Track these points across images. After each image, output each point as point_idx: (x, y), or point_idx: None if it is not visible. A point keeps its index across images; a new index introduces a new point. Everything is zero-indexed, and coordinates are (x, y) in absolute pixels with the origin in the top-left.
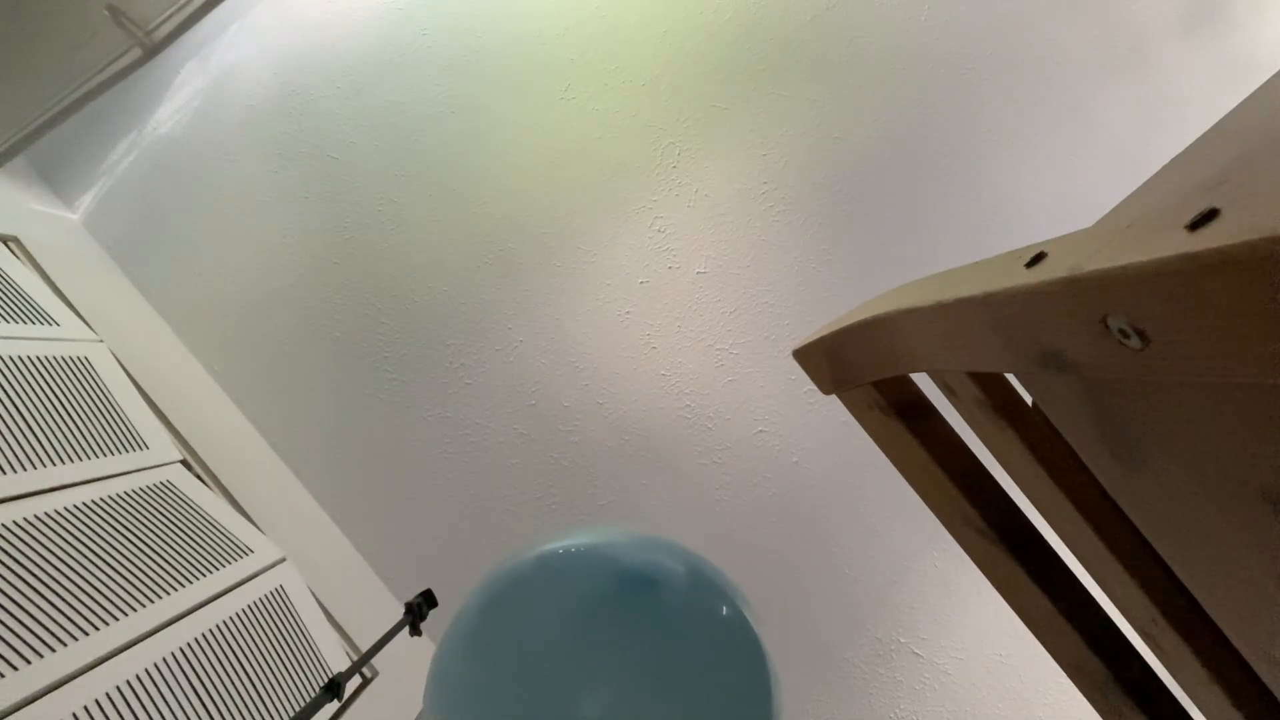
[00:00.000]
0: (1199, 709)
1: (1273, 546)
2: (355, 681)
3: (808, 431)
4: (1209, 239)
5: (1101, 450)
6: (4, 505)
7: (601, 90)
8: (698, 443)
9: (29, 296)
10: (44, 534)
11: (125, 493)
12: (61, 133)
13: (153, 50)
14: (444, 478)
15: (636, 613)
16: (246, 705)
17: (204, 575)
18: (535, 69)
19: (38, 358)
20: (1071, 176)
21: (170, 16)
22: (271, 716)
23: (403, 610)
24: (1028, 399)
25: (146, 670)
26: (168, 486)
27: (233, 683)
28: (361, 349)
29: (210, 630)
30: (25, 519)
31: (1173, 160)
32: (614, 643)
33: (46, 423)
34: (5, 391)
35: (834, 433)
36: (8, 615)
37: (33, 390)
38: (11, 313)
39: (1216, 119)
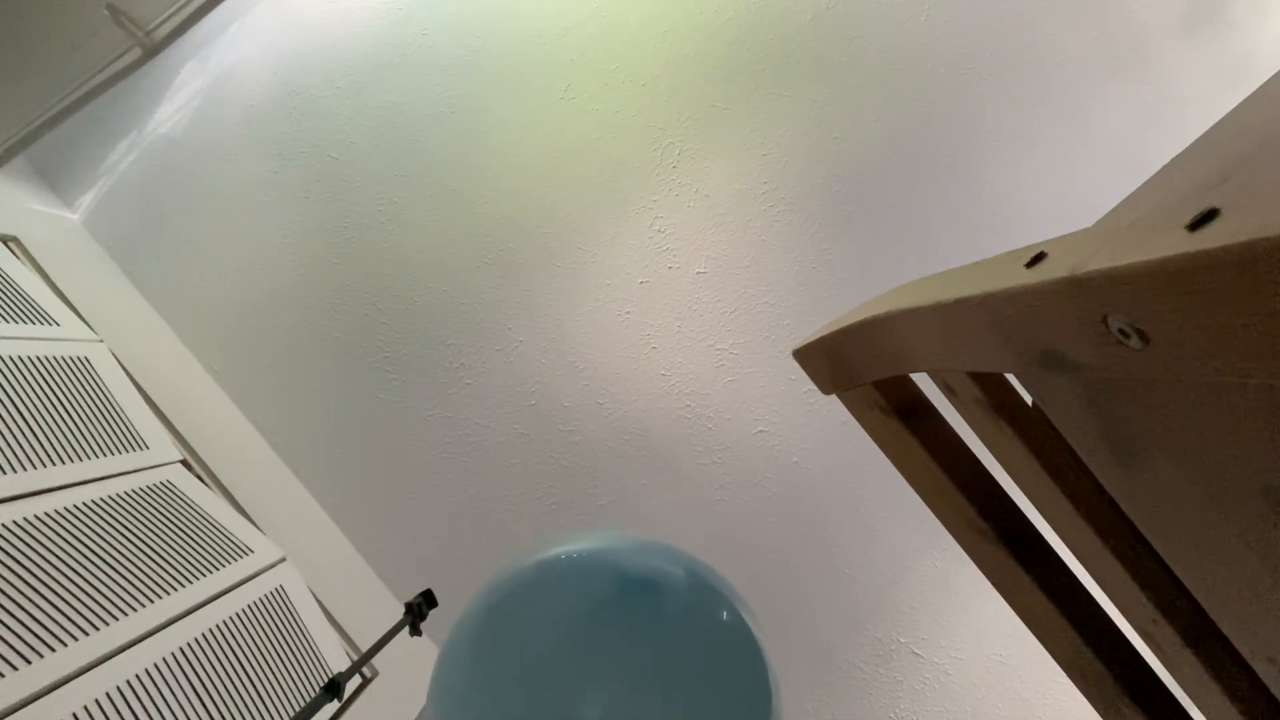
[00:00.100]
0: (1199, 709)
1: (1273, 546)
2: (355, 681)
3: (808, 431)
4: (1209, 239)
5: (1101, 450)
6: (4, 505)
7: (601, 90)
8: (698, 443)
9: (29, 296)
10: (44, 534)
11: (125, 493)
12: (61, 133)
13: (153, 50)
14: (444, 478)
15: (637, 617)
16: (246, 705)
17: (204, 575)
18: (535, 69)
19: (38, 358)
20: (1071, 176)
21: (170, 16)
22: (271, 716)
23: (403, 610)
24: (1028, 399)
25: (146, 670)
26: (168, 486)
27: (233, 683)
28: (361, 349)
29: (210, 630)
30: (25, 519)
31: (1173, 160)
32: (615, 647)
33: (46, 423)
34: (5, 391)
35: (834, 433)
36: (8, 615)
37: (33, 390)
38: (11, 313)
39: (1216, 119)
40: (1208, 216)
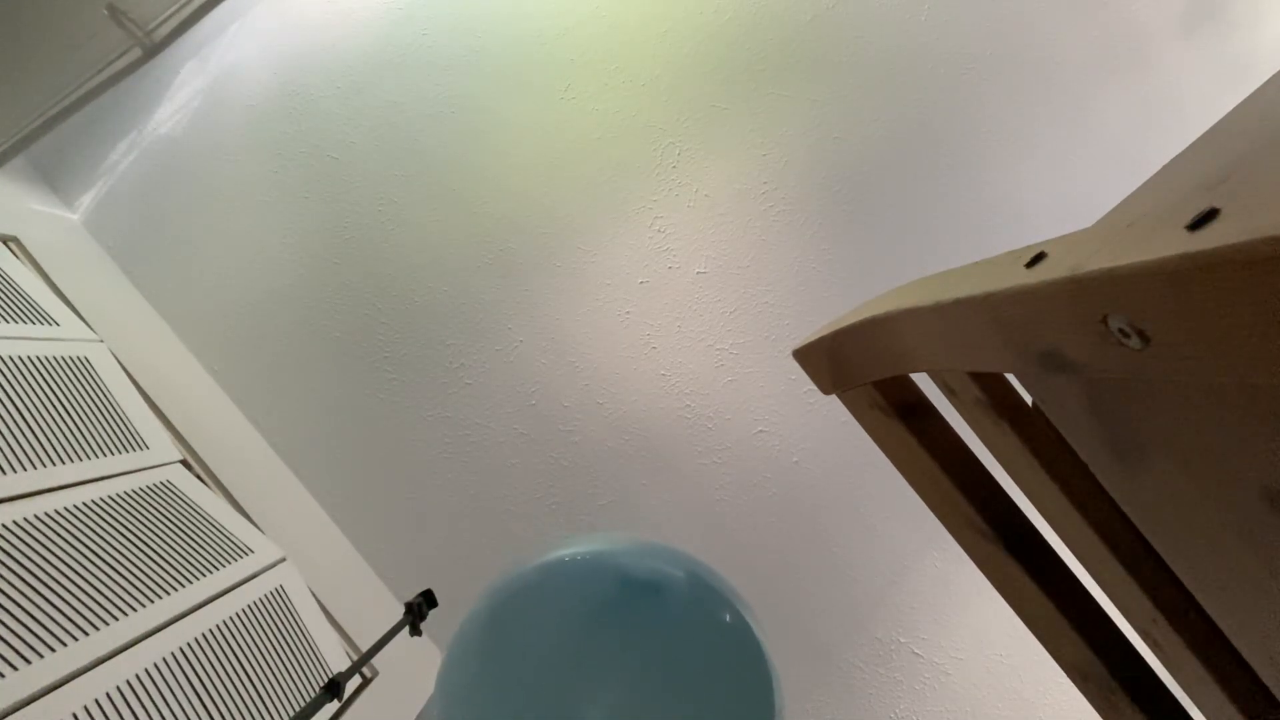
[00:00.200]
0: (1199, 709)
1: (1273, 546)
2: (355, 681)
3: (808, 431)
4: (1209, 239)
5: (1101, 450)
6: (4, 505)
7: (601, 90)
8: (698, 443)
9: (29, 296)
10: (44, 534)
11: (125, 493)
12: (61, 133)
13: (153, 50)
14: (444, 478)
15: (640, 618)
16: (246, 705)
17: (204, 575)
18: (535, 69)
19: (38, 358)
20: (1071, 176)
21: (170, 16)
22: (271, 716)
23: (403, 610)
24: (1028, 399)
25: (146, 670)
26: (168, 486)
27: (233, 683)
28: (361, 349)
29: (210, 630)
30: (25, 519)
31: (1173, 160)
32: (618, 648)
33: (46, 423)
34: (5, 391)
35: (834, 433)
36: (8, 615)
37: (33, 390)
38: (11, 313)
39: (1216, 119)
40: (1208, 216)
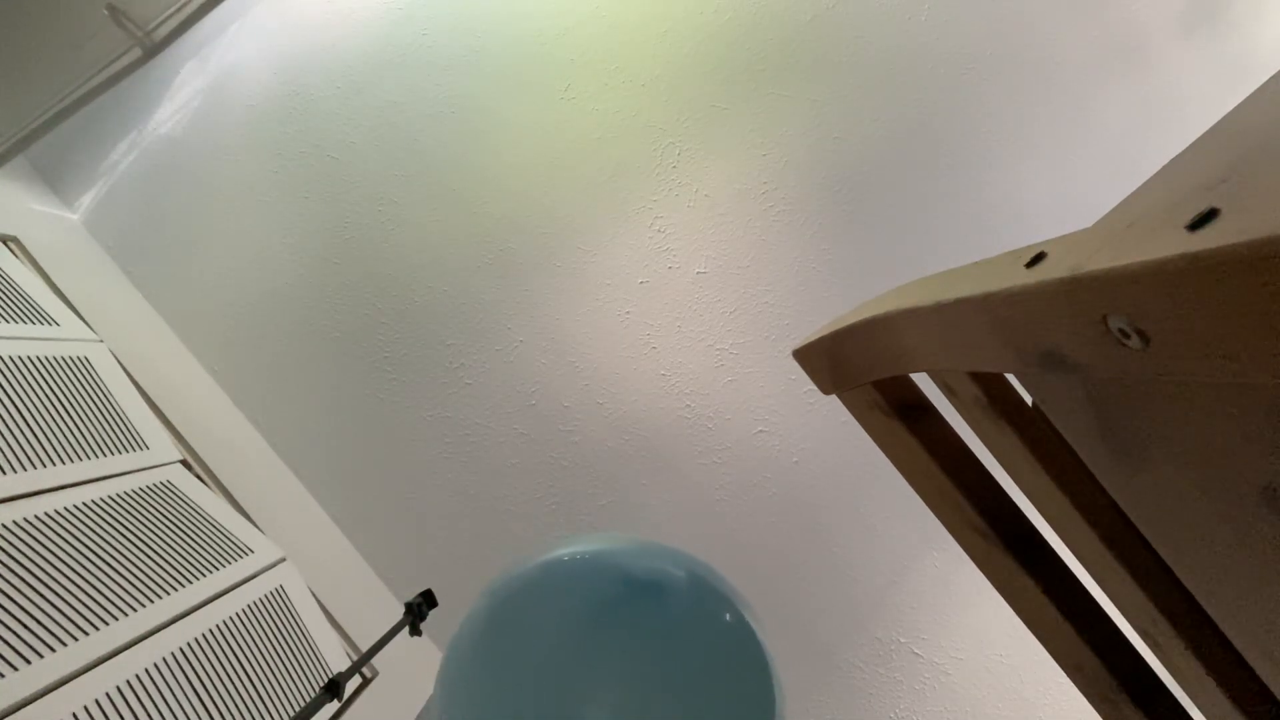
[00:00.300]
0: (1199, 709)
1: (1273, 546)
2: (355, 681)
3: (808, 431)
4: (1209, 239)
5: (1101, 450)
6: (4, 505)
7: (601, 90)
8: (698, 443)
9: (29, 296)
10: (44, 534)
11: (125, 493)
12: (61, 133)
13: (153, 50)
14: (444, 478)
15: (640, 618)
16: (246, 705)
17: (204, 575)
18: (535, 69)
19: (38, 358)
20: (1071, 176)
21: (170, 16)
22: (271, 716)
23: (403, 610)
24: (1028, 399)
25: (147, 670)
26: (168, 486)
27: (233, 683)
28: (361, 349)
29: (210, 630)
30: (25, 519)
31: (1173, 160)
32: (618, 648)
33: (46, 423)
34: (5, 391)
35: (834, 433)
36: (8, 615)
37: (33, 390)
38: (11, 313)
39: (1216, 119)
40: (1208, 216)
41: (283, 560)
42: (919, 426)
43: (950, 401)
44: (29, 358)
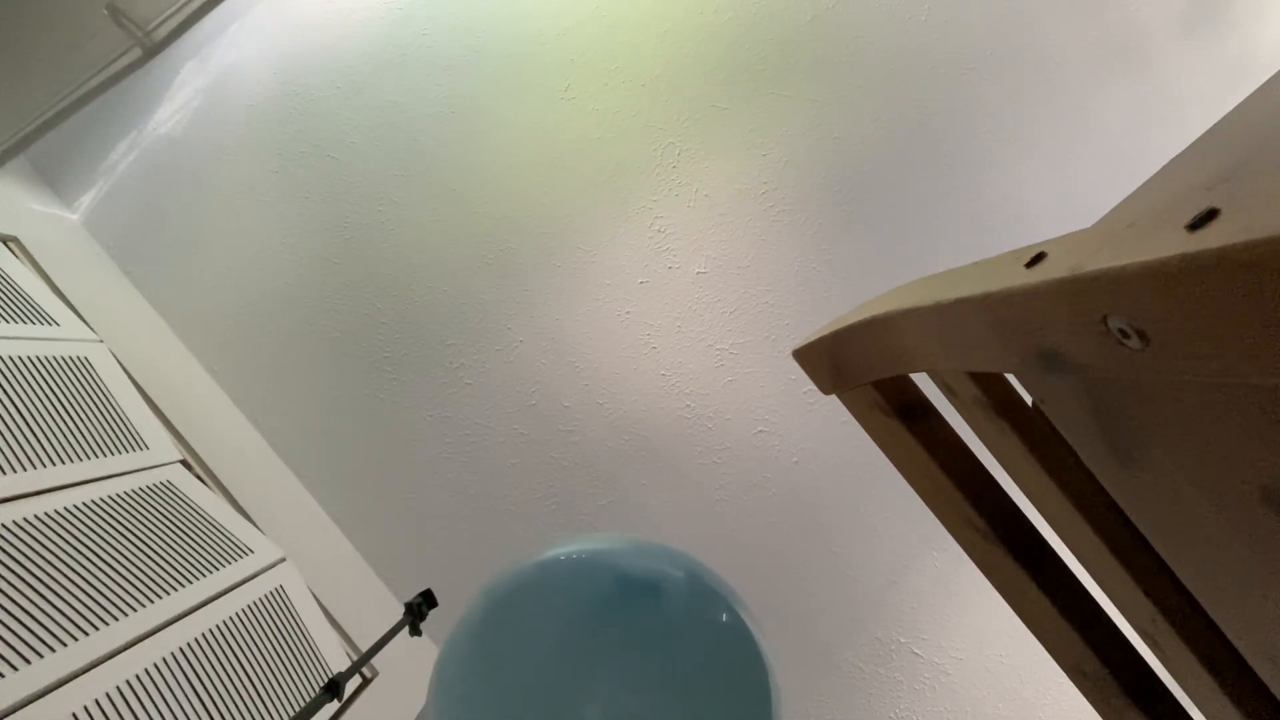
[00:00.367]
0: (1199, 709)
1: (1273, 546)
2: (355, 681)
3: (808, 431)
4: (1209, 239)
5: (1101, 450)
6: (4, 505)
7: (601, 90)
8: (698, 443)
9: (29, 296)
10: (44, 534)
11: (125, 493)
12: (61, 133)
13: (153, 50)
14: (444, 478)
15: (637, 618)
16: (246, 705)
17: (204, 575)
18: (535, 69)
19: (38, 358)
20: (1071, 176)
21: (170, 16)
22: (271, 716)
23: (403, 610)
24: (1028, 399)
25: (146, 670)
26: (168, 486)
27: (233, 683)
28: (361, 349)
29: (210, 630)
30: (25, 519)
31: (1173, 160)
32: (615, 648)
33: (46, 423)
34: (5, 391)
35: (834, 433)
36: (8, 615)
37: (33, 390)
38: (11, 313)
39: (1216, 119)
40: (1208, 216)
41: (283, 560)
42: (919, 426)
43: (950, 401)
44: (29, 358)
